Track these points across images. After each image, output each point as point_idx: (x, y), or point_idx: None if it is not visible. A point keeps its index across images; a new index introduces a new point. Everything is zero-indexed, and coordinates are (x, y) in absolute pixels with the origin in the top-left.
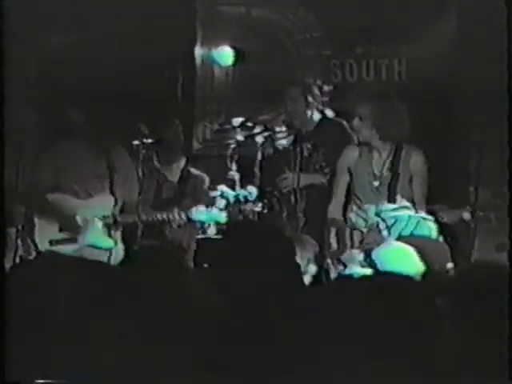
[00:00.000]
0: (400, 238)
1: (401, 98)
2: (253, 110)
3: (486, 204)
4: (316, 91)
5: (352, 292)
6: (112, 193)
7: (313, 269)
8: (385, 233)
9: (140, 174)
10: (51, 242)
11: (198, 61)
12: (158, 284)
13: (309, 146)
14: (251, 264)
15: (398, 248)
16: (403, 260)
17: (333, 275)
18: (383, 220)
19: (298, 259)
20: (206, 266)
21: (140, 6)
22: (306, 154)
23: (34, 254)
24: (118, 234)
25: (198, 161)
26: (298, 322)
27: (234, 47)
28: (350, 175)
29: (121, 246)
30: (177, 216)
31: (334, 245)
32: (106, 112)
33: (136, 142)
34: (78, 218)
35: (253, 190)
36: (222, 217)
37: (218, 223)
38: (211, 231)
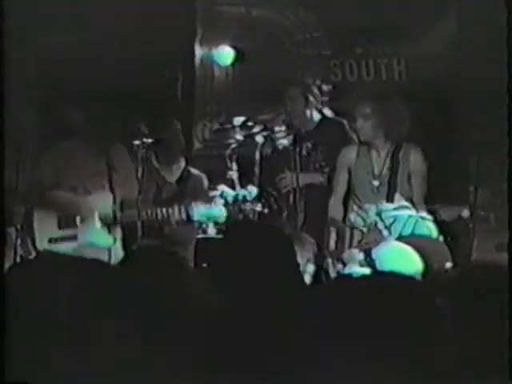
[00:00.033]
0: (400, 237)
1: (401, 98)
2: (253, 109)
3: (485, 204)
4: (316, 91)
5: (351, 291)
6: (111, 190)
7: (311, 268)
8: (385, 232)
9: (140, 173)
10: (51, 241)
11: (197, 61)
12: (158, 284)
13: (308, 145)
14: (251, 264)
15: (398, 248)
16: (403, 259)
17: (332, 275)
18: (383, 220)
19: (298, 258)
20: (205, 265)
21: (140, 6)
22: (304, 153)
23: (33, 253)
24: (117, 232)
25: (197, 160)
26: (298, 321)
27: (234, 47)
28: (350, 175)
29: (120, 244)
30: (176, 213)
31: (334, 244)
32: (106, 112)
33: (136, 142)
34: (78, 216)
35: (253, 190)
36: (222, 214)
37: (217, 223)
38: (211, 231)
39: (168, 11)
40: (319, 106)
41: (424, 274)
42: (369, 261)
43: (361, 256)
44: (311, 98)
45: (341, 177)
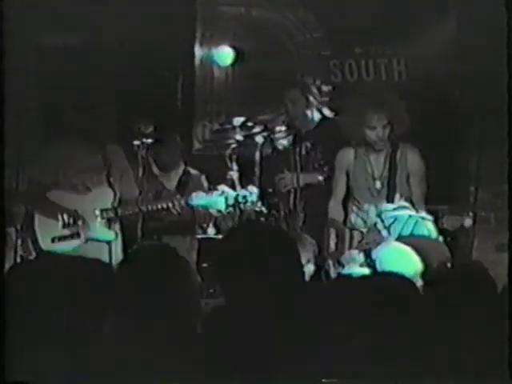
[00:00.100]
0: (399, 237)
1: (401, 98)
2: (253, 110)
3: (485, 204)
4: (315, 91)
5: (351, 292)
6: (110, 186)
7: (311, 268)
8: (384, 233)
9: (140, 173)
10: (53, 240)
11: (197, 61)
12: (158, 284)
13: (308, 144)
14: (251, 264)
15: (398, 248)
16: (403, 260)
17: (333, 275)
18: (383, 220)
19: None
20: (206, 265)
21: (140, 6)
22: (304, 152)
23: (34, 253)
24: (118, 228)
25: (197, 161)
26: (298, 321)
27: (233, 47)
28: (348, 177)
29: (120, 244)
30: (176, 202)
31: (334, 245)
32: (106, 112)
33: (136, 143)
34: (79, 214)
35: (253, 190)
36: (221, 203)
37: (217, 225)
38: (211, 231)
39: (168, 11)
40: (319, 107)
41: (424, 274)
42: (369, 261)
43: (361, 256)
44: (311, 99)
45: (339, 179)
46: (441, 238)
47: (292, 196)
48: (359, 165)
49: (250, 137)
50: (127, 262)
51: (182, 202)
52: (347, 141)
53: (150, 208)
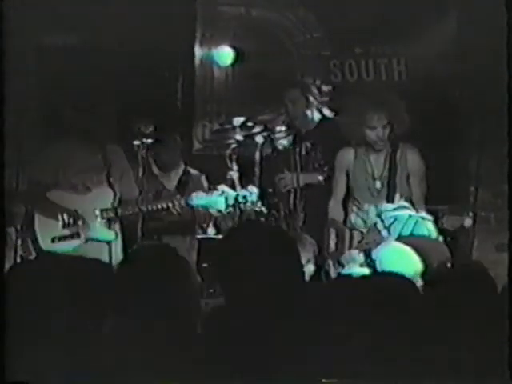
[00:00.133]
0: (399, 237)
1: (401, 98)
2: (253, 110)
3: (485, 204)
4: (315, 91)
5: (351, 292)
6: (110, 186)
7: (311, 268)
8: (384, 233)
9: (140, 173)
10: (53, 240)
11: (197, 61)
12: (158, 284)
13: (307, 144)
14: (251, 264)
15: (398, 248)
16: (403, 260)
17: (333, 275)
18: (383, 220)
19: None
20: (205, 265)
21: (140, 6)
22: (304, 152)
23: (34, 253)
24: (118, 228)
25: (197, 161)
26: (298, 321)
27: (233, 47)
28: (348, 177)
29: (120, 244)
30: (176, 202)
31: (334, 246)
32: (106, 112)
33: (136, 143)
34: (79, 213)
35: (253, 190)
36: (221, 203)
37: (217, 225)
38: (211, 231)
39: (168, 11)
40: (319, 106)
41: (424, 274)
42: (369, 261)
43: (361, 256)
44: (311, 99)
45: (339, 179)
46: (441, 238)
47: (292, 196)
48: (359, 165)
49: (250, 137)
50: (127, 261)
51: (182, 202)
52: (347, 141)
53: (149, 208)
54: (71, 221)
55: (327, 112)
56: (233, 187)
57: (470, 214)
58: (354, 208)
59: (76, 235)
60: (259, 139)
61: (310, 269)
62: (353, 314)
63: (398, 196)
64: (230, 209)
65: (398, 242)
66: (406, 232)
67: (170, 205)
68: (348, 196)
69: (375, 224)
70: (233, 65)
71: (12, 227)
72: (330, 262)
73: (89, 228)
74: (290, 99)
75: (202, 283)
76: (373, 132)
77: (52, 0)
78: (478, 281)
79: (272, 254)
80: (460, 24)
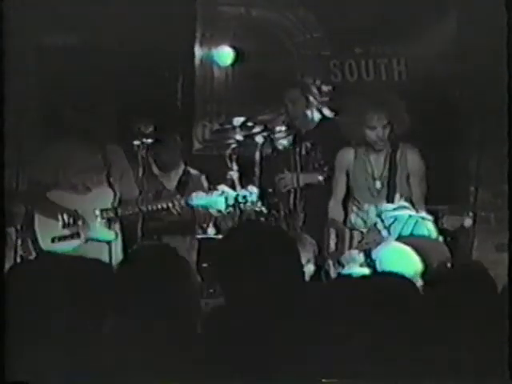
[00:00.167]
0: (399, 237)
1: (401, 98)
2: (253, 110)
3: (485, 204)
4: (315, 91)
5: (351, 291)
6: (110, 186)
7: (311, 268)
8: (384, 233)
9: (140, 173)
10: (53, 240)
11: (197, 61)
12: (158, 284)
13: (307, 144)
14: (251, 264)
15: (398, 248)
16: (403, 260)
17: (333, 275)
18: (383, 220)
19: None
20: (205, 265)
21: (140, 6)
22: (304, 152)
23: (34, 253)
24: (118, 228)
25: (197, 161)
26: (298, 321)
27: (233, 47)
28: (348, 177)
29: (120, 244)
30: (176, 202)
31: (334, 246)
32: (106, 112)
33: (136, 143)
34: (79, 213)
35: (253, 190)
36: (221, 203)
37: (217, 225)
38: (211, 231)
39: (168, 11)
40: (319, 106)
41: (424, 274)
42: (369, 261)
43: (361, 256)
44: (311, 99)
45: (339, 179)
46: (441, 238)
47: (292, 196)
48: (359, 165)
49: (250, 137)
50: (127, 261)
51: (182, 202)
52: (347, 141)
53: (150, 208)
54: (71, 221)
55: (327, 112)
56: (233, 187)
57: (470, 213)
58: (354, 208)
59: (76, 235)
60: (259, 139)
61: (310, 269)
62: (353, 314)
63: (398, 196)
64: (230, 209)
65: (397, 242)
66: (406, 232)
67: (170, 205)
68: (348, 196)
69: (375, 224)
70: (233, 65)
71: (12, 227)
72: (330, 262)
73: (89, 228)
74: (290, 99)
75: (202, 283)
76: (373, 132)
77: (52, 0)
78: (478, 281)
79: (272, 253)
80: (460, 24)
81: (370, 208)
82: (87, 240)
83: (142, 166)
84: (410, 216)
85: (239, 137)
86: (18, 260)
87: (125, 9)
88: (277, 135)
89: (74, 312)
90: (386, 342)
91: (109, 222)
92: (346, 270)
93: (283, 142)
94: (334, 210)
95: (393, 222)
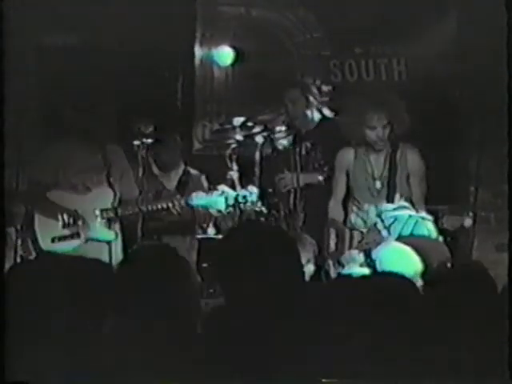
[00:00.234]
0: (399, 237)
1: (401, 98)
2: (253, 110)
3: (485, 204)
4: (315, 91)
5: (351, 291)
6: (110, 186)
7: (311, 268)
8: (384, 233)
9: (140, 173)
10: (53, 240)
11: (197, 61)
12: (158, 284)
13: (307, 144)
14: (251, 264)
15: (398, 248)
16: (403, 260)
17: (333, 275)
18: (383, 220)
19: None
20: (205, 265)
21: (140, 6)
22: (304, 152)
23: (34, 253)
24: (118, 228)
25: (197, 161)
26: (298, 321)
27: (233, 47)
28: (348, 177)
29: (120, 244)
30: (176, 202)
31: (334, 246)
32: (106, 112)
33: (136, 143)
34: (79, 213)
35: (253, 190)
36: (221, 203)
37: (217, 225)
38: (211, 231)
39: (168, 11)
40: (319, 106)
41: (424, 274)
42: (369, 261)
43: (361, 256)
44: (311, 99)
45: (339, 179)
46: (441, 238)
47: (292, 196)
48: (359, 165)
49: (250, 137)
50: (127, 261)
51: (182, 202)
52: (347, 141)
53: (150, 208)
54: (71, 221)
55: (327, 112)
56: (233, 187)
57: (470, 213)
58: (354, 208)
59: (76, 235)
60: (259, 139)
61: (310, 269)
62: (353, 314)
63: (398, 196)
64: (230, 209)
65: (397, 242)
66: (406, 232)
67: (170, 205)
68: (348, 196)
69: (375, 224)
70: (233, 65)
71: (12, 227)
72: (330, 262)
73: (89, 228)
74: (290, 99)
75: (202, 283)
76: (373, 132)
77: (52, 0)
78: (478, 281)
79: (272, 253)
80: (460, 24)
81: (369, 208)
82: (87, 240)
83: (142, 166)
84: (410, 216)
85: (239, 137)
86: (18, 260)
87: (125, 9)
88: (277, 135)
89: (74, 312)
90: (386, 342)
91: (109, 222)
92: (345, 270)
93: (283, 142)
94: (334, 210)
95: (393, 222)
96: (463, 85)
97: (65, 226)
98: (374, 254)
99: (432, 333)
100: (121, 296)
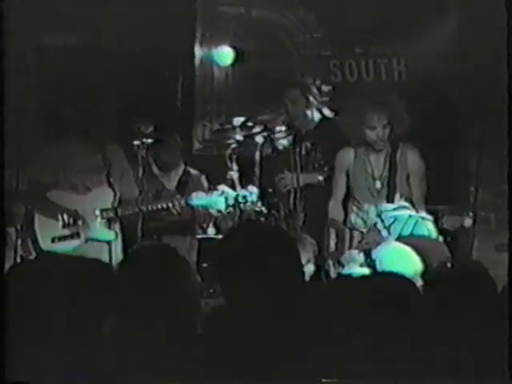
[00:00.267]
0: (399, 237)
1: (401, 98)
2: (253, 110)
3: (485, 204)
4: (316, 91)
5: (351, 291)
6: (110, 186)
7: (311, 268)
8: (384, 233)
9: (140, 173)
10: (53, 240)
11: (197, 61)
12: (158, 284)
13: (307, 144)
14: (251, 264)
15: (398, 248)
16: (403, 260)
17: (333, 275)
18: (383, 220)
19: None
20: (205, 265)
21: (140, 6)
22: (304, 152)
23: (34, 253)
24: (118, 228)
25: (197, 161)
26: (298, 321)
27: (233, 47)
28: (348, 177)
29: (120, 244)
30: (176, 202)
31: (334, 246)
32: (106, 112)
33: (136, 143)
34: (79, 213)
35: (253, 190)
36: (221, 203)
37: (217, 225)
38: (211, 231)
39: (168, 11)
40: (319, 106)
41: (424, 274)
42: (369, 261)
43: (361, 256)
44: (311, 99)
45: (339, 179)
46: (441, 238)
47: (292, 196)
48: (359, 165)
49: (250, 137)
50: (127, 261)
51: (182, 202)
52: (347, 141)
53: (150, 208)
54: (71, 221)
55: (327, 112)
56: (233, 187)
57: (470, 213)
58: (354, 208)
59: (76, 235)
60: (259, 139)
61: (310, 269)
62: (353, 314)
63: (398, 196)
64: (230, 209)
65: (397, 242)
66: (406, 232)
67: (170, 205)
68: (348, 196)
69: (375, 224)
70: (233, 65)
71: (12, 227)
72: (330, 262)
73: (89, 228)
74: (290, 99)
75: (202, 283)
76: (373, 132)
77: (52, 0)
78: (478, 281)
79: (272, 253)
80: (460, 24)
81: (370, 208)
82: (87, 240)
83: (142, 166)
84: (410, 216)
85: (239, 137)
86: (18, 260)
87: (125, 9)
88: (277, 135)
89: (74, 312)
90: (386, 342)
91: (109, 222)
92: (345, 270)
93: (283, 142)
94: (334, 209)
95: (393, 222)
96: (463, 85)
97: (65, 225)
98: (374, 254)
99: (432, 333)
100: (121, 296)
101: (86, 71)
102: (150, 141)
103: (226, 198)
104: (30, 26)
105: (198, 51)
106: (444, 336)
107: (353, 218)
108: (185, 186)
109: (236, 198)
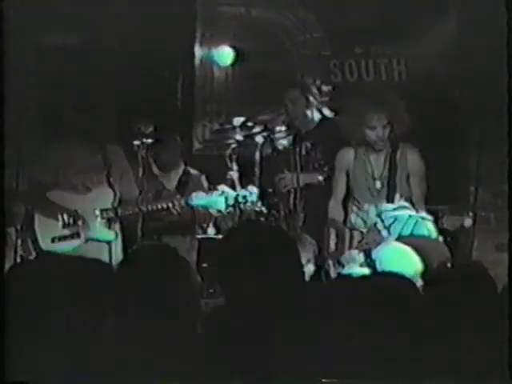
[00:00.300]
0: (399, 237)
1: (401, 98)
2: (253, 110)
3: (485, 204)
4: (316, 91)
5: (351, 291)
6: (110, 186)
7: (311, 268)
8: (384, 233)
9: (140, 173)
10: (53, 240)
11: (197, 61)
12: (158, 284)
13: (307, 144)
14: (251, 264)
15: (398, 248)
16: (403, 260)
17: (333, 275)
18: (383, 220)
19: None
20: (205, 265)
21: (140, 6)
22: (304, 152)
23: (34, 253)
24: (118, 228)
25: (197, 161)
26: (298, 321)
27: (233, 47)
28: (348, 177)
29: (120, 244)
30: (176, 202)
31: (334, 246)
32: (106, 112)
33: (136, 143)
34: (79, 213)
35: (253, 190)
36: (221, 203)
37: (217, 225)
38: (211, 231)
39: (168, 11)
40: (319, 106)
41: (424, 274)
42: (369, 261)
43: (361, 256)
44: (311, 99)
45: (339, 179)
46: (441, 238)
47: (292, 196)
48: (359, 165)
49: (250, 137)
50: (127, 261)
51: (182, 202)
52: (347, 141)
53: (149, 208)
54: (71, 221)
55: (327, 112)
56: (233, 187)
57: (470, 213)
58: (354, 208)
59: (76, 235)
60: (259, 139)
61: (310, 269)
62: (353, 313)
63: (398, 196)
64: (230, 209)
65: (397, 242)
66: (406, 232)
67: (170, 205)
68: (348, 196)
69: (375, 224)
70: (233, 65)
71: (12, 227)
72: (330, 262)
73: (89, 228)
74: (290, 99)
75: (202, 283)
76: (373, 132)
77: (52, 0)
78: (478, 281)
79: (272, 253)
80: (460, 24)
81: (370, 208)
82: (87, 240)
83: (142, 166)
84: (410, 216)
85: (239, 137)
86: (18, 260)
87: (125, 9)
88: (277, 135)
89: (74, 312)
90: (386, 342)
91: (109, 222)
92: (346, 270)
93: (283, 142)
94: (334, 210)
95: (393, 222)
96: (463, 85)
97: (65, 225)
98: (374, 254)
99: (432, 333)
100: (121, 296)
101: (85, 71)
102: (149, 141)
103: (226, 198)
104: (30, 26)
105: (198, 51)
106: (444, 336)
107: (353, 218)
108: (185, 186)
109: (236, 198)
